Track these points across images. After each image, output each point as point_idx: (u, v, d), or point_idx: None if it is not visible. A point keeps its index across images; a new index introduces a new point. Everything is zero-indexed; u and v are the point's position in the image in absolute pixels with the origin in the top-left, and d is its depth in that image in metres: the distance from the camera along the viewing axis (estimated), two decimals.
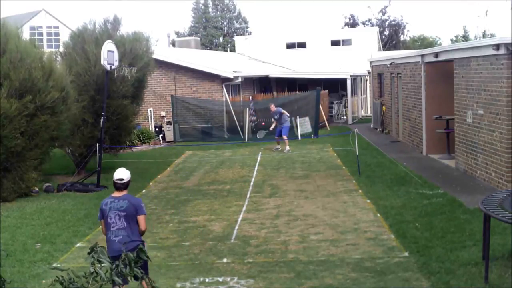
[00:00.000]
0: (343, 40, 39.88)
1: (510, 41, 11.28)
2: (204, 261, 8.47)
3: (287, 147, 20.13)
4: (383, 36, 55.01)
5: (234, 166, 17.33)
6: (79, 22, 18.17)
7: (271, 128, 21.17)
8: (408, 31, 67.91)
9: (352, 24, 57.18)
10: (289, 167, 16.63)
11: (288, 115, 20.85)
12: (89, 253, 4.79)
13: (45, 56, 14.23)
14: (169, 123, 24.32)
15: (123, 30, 19.79)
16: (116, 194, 6.52)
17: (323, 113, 26.61)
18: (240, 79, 25.31)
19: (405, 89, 20.56)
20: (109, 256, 5.69)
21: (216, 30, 61.66)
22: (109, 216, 6.38)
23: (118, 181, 6.51)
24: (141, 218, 6.45)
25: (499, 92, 11.92)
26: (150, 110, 24.84)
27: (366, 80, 36.41)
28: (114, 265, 4.26)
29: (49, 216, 11.60)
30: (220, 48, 59.23)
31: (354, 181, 13.96)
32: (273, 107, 20.86)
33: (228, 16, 62.77)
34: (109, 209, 6.41)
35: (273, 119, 20.79)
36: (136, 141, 22.20)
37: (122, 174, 6.54)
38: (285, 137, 20.31)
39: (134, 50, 16.99)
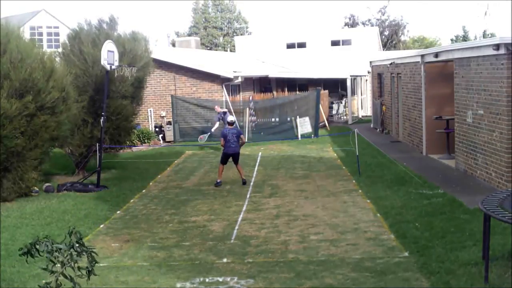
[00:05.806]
0: (343, 40, 39.89)
1: (510, 41, 11.27)
2: (204, 261, 8.47)
3: None
4: (383, 36, 55.02)
5: (234, 166, 17.28)
6: (79, 22, 17.95)
7: (213, 130, 21.29)
8: (408, 31, 67.96)
9: (352, 24, 57.23)
10: (289, 167, 16.63)
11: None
12: (24, 254, 5.12)
13: (46, 56, 14.21)
14: (169, 123, 24.32)
15: (122, 30, 19.80)
16: (229, 126, 14.44)
17: (323, 113, 26.61)
18: (240, 79, 25.30)
19: (405, 89, 20.56)
20: (228, 153, 14.33)
21: (216, 30, 61.68)
22: (228, 135, 14.19)
23: (230, 122, 14.62)
24: (242, 137, 14.63)
25: (499, 92, 11.92)
26: (150, 110, 24.84)
27: (366, 80, 36.40)
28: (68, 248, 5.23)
29: (49, 216, 11.60)
30: (220, 48, 59.25)
31: (354, 181, 13.96)
32: (218, 108, 21.11)
33: (228, 16, 62.78)
34: (228, 133, 14.23)
35: (218, 121, 20.86)
36: (136, 141, 22.18)
37: (232, 118, 14.93)
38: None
39: (133, 50, 16.97)
